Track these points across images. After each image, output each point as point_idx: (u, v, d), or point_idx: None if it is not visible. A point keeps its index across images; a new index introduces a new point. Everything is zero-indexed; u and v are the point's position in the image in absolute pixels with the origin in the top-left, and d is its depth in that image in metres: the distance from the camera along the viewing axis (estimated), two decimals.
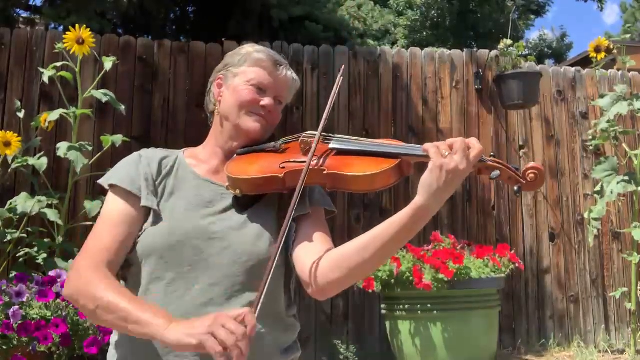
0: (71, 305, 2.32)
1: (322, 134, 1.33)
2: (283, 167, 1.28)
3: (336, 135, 1.36)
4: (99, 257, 1.24)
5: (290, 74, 1.45)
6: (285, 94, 1.45)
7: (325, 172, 1.24)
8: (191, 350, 1.08)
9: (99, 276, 1.20)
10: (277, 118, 1.44)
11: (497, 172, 1.16)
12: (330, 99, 1.36)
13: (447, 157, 1.12)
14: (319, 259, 1.23)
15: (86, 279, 1.20)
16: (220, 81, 1.45)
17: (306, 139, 1.35)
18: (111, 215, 1.31)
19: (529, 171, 1.16)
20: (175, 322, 1.09)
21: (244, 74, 1.41)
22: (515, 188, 1.17)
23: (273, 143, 1.39)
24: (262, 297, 1.11)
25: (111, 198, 1.33)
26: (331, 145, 1.32)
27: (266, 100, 1.39)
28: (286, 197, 1.33)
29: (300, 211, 1.32)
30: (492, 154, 1.20)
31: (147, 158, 1.38)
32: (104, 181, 1.35)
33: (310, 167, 1.25)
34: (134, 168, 1.35)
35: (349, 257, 1.20)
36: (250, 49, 1.45)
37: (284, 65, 1.44)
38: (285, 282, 1.33)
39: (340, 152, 1.30)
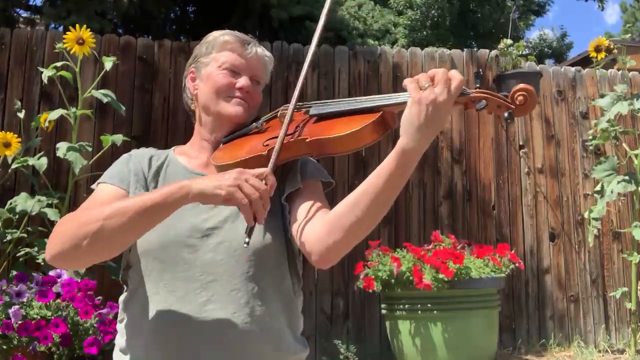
0: (71, 305, 2.32)
1: (300, 104, 1.31)
2: (267, 145, 1.26)
3: (314, 102, 1.33)
4: None
5: (261, 51, 1.41)
6: (259, 72, 1.40)
7: (308, 141, 1.21)
8: (218, 203, 1.12)
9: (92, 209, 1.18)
10: (258, 98, 1.40)
11: (483, 102, 1.11)
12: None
13: (426, 89, 1.06)
14: (315, 225, 1.20)
15: (80, 214, 1.18)
16: (193, 74, 1.42)
17: (285, 112, 1.32)
18: (99, 195, 1.29)
19: (517, 93, 1.10)
20: (199, 178, 1.16)
21: (214, 60, 1.38)
22: (506, 114, 1.12)
23: (254, 124, 1.37)
24: (277, 151, 1.19)
25: (98, 188, 1.32)
26: (311, 112, 1.29)
27: (242, 81, 1.36)
28: (278, 177, 1.28)
29: (291, 187, 1.30)
30: (477, 85, 1.17)
31: (137, 156, 1.37)
32: (94, 185, 1.34)
33: (293, 139, 1.22)
34: (124, 167, 1.34)
35: (342, 217, 1.15)
36: (216, 34, 1.42)
37: (252, 43, 1.40)
38: (289, 266, 1.31)
39: (321, 118, 1.27)
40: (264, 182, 1.12)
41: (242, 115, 1.36)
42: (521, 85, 1.11)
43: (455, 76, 1.07)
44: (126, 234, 1.14)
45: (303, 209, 1.26)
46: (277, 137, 1.24)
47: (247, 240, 1.13)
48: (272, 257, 1.27)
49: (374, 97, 1.24)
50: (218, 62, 1.37)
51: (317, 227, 1.20)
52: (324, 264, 1.21)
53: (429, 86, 1.06)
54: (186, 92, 1.44)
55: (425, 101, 1.05)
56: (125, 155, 1.38)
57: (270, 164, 1.18)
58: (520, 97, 1.10)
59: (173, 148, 1.44)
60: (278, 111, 1.38)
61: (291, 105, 1.28)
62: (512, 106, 1.11)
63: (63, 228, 1.17)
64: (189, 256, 1.24)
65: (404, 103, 1.12)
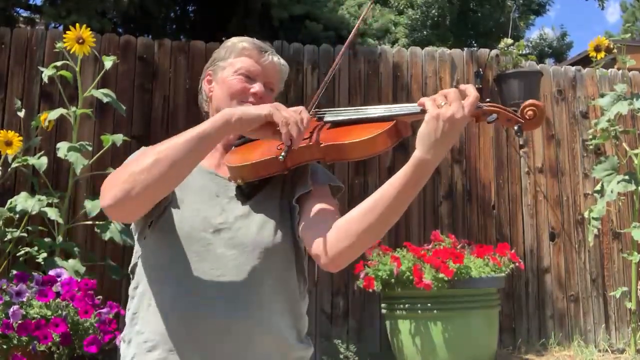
0: (71, 304, 2.33)
1: (315, 110, 1.34)
2: (280, 149, 1.27)
3: (329, 109, 1.36)
4: None
5: (277, 59, 1.45)
6: (274, 79, 1.44)
7: (322, 145, 1.24)
8: (257, 123, 1.19)
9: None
10: None
11: (494, 116, 1.15)
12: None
13: (443, 107, 1.10)
14: (326, 229, 1.22)
15: (130, 159, 1.25)
16: (210, 77, 1.46)
17: None
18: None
19: (527, 108, 1.14)
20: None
21: (231, 65, 1.41)
22: (516, 128, 1.15)
23: None
24: (320, 93, 1.28)
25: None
26: (325, 119, 1.32)
27: (256, 87, 1.39)
28: (288, 183, 1.34)
29: (302, 190, 1.32)
30: (487, 100, 1.18)
31: None
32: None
33: (308, 144, 1.25)
34: None
35: (355, 223, 1.19)
36: (235, 40, 1.45)
37: (269, 51, 1.44)
38: (297, 267, 1.33)
39: (335, 125, 1.30)
40: (300, 115, 1.18)
41: None
42: (531, 101, 1.15)
43: (471, 92, 1.12)
44: (179, 165, 1.18)
45: (313, 212, 1.29)
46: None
47: (283, 154, 1.19)
48: (280, 256, 1.29)
49: (387, 106, 1.28)
50: (234, 67, 1.41)
51: (328, 231, 1.22)
52: (333, 267, 1.24)
53: (445, 104, 1.11)
54: (202, 93, 1.48)
55: (442, 117, 1.09)
56: (141, 149, 1.39)
57: (311, 103, 1.27)
58: (530, 112, 1.14)
59: None
60: None
61: (311, 103, 1.32)
62: (522, 120, 1.15)
63: (116, 174, 1.21)
64: (201, 249, 1.26)
65: (417, 114, 1.18)
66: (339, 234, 1.20)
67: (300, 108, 1.21)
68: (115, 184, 1.18)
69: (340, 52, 1.41)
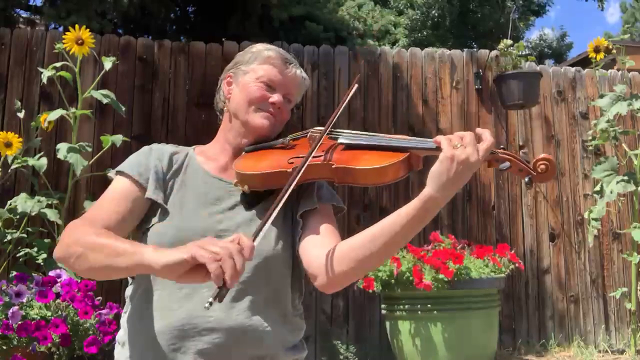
0: (71, 305, 2.33)
1: (330, 129, 1.34)
2: (291, 163, 1.28)
3: (344, 131, 1.36)
4: (96, 222, 1.24)
5: (300, 72, 1.46)
6: (294, 92, 1.45)
7: (333, 166, 1.24)
8: (180, 270, 1.01)
9: (93, 229, 1.20)
10: (286, 116, 1.44)
11: (507, 164, 1.17)
12: (342, 102, 1.38)
13: (458, 148, 1.11)
14: (327, 251, 1.23)
15: (79, 230, 1.20)
16: (230, 79, 1.46)
17: (314, 134, 1.35)
18: (114, 191, 1.31)
19: (540, 162, 1.16)
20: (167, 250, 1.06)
21: (253, 71, 1.42)
22: (526, 179, 1.17)
23: (281, 139, 1.40)
24: (265, 225, 1.10)
25: (116, 179, 1.34)
26: (340, 140, 1.32)
27: (275, 97, 1.40)
28: (294, 195, 1.33)
29: (307, 206, 1.33)
30: (502, 146, 1.19)
31: (158, 152, 1.39)
32: (112, 173, 1.36)
33: (319, 162, 1.25)
34: (143, 159, 1.36)
35: (357, 249, 1.19)
36: (261, 47, 1.46)
37: (293, 63, 1.45)
38: (292, 281, 1.33)
39: (349, 147, 1.30)
40: (237, 244, 1.02)
41: (267, 128, 1.39)
42: (544, 155, 1.17)
43: (487, 137, 1.14)
44: (102, 268, 1.15)
45: (316, 231, 1.29)
46: (302, 157, 1.26)
47: (210, 300, 0.97)
48: (278, 267, 1.29)
49: (402, 137, 1.29)
50: (257, 74, 1.41)
51: (330, 254, 1.23)
52: (328, 289, 1.25)
53: (460, 145, 1.11)
54: (219, 93, 1.48)
55: (457, 159, 1.11)
56: (145, 148, 1.40)
57: (255, 231, 1.10)
58: (542, 166, 1.16)
59: (193, 147, 1.46)
60: (308, 132, 1.40)
61: (324, 129, 1.32)
62: (534, 172, 1.17)
63: (65, 235, 1.22)
64: None
65: (432, 150, 1.18)
66: (339, 258, 1.21)
67: (239, 236, 1.04)
68: (62, 244, 1.21)
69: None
